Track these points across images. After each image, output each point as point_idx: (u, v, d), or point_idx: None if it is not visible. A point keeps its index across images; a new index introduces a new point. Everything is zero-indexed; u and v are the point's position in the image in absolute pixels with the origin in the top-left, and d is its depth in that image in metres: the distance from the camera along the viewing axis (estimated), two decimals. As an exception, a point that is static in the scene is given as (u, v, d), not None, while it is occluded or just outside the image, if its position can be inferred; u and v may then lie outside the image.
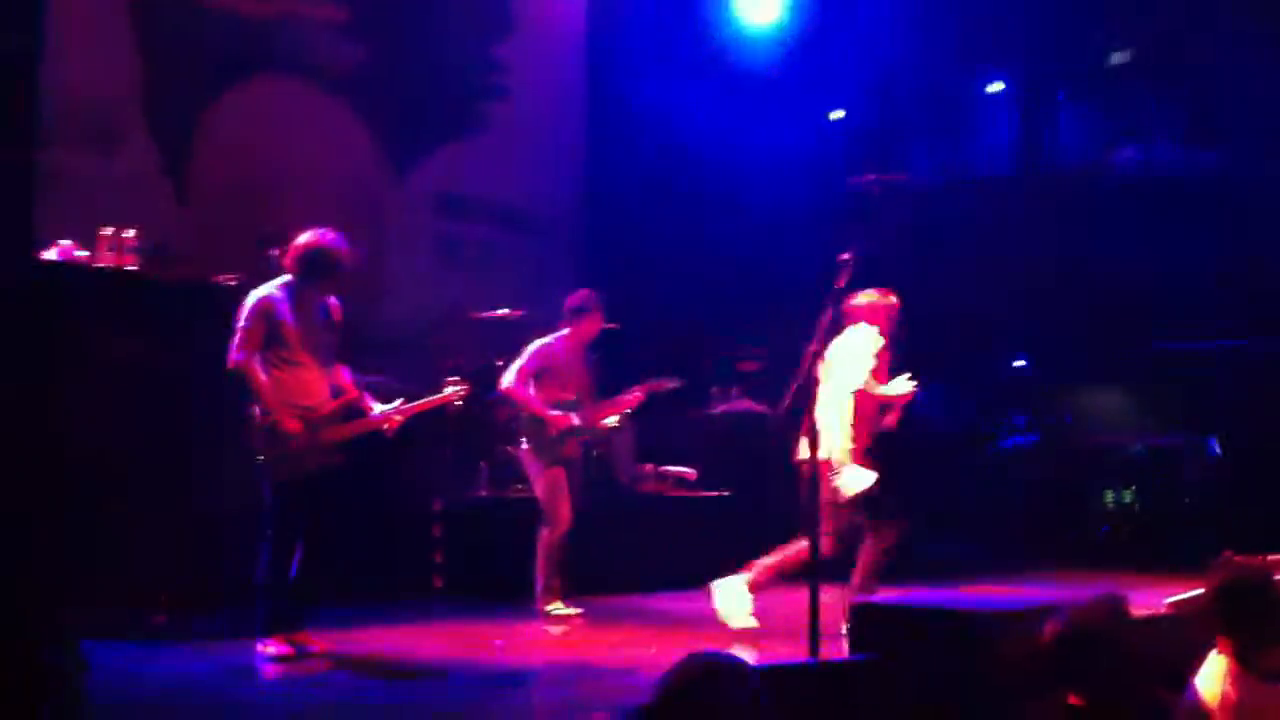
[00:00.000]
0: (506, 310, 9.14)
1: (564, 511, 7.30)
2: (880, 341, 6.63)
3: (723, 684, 2.63)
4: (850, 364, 6.57)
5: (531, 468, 7.42)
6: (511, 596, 7.56)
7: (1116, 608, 3.94)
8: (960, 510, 10.97)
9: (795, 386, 4.83)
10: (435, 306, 9.64)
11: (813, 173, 12.34)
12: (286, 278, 5.98)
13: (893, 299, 6.79)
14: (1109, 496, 11.41)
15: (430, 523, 8.11)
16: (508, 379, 7.45)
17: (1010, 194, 12.59)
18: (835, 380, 6.49)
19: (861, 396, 6.56)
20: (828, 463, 6.35)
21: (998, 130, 13.25)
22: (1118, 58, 11.58)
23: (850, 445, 6.56)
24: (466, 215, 10.60)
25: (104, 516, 6.41)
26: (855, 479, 6.51)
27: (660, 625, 7.30)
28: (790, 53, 11.28)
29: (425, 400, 6.36)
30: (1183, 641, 4.03)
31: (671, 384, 7.76)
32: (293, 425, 5.74)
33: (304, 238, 5.98)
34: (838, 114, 13.03)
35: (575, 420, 7.41)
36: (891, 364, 6.69)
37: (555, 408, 7.39)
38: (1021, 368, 12.50)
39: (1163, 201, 11.29)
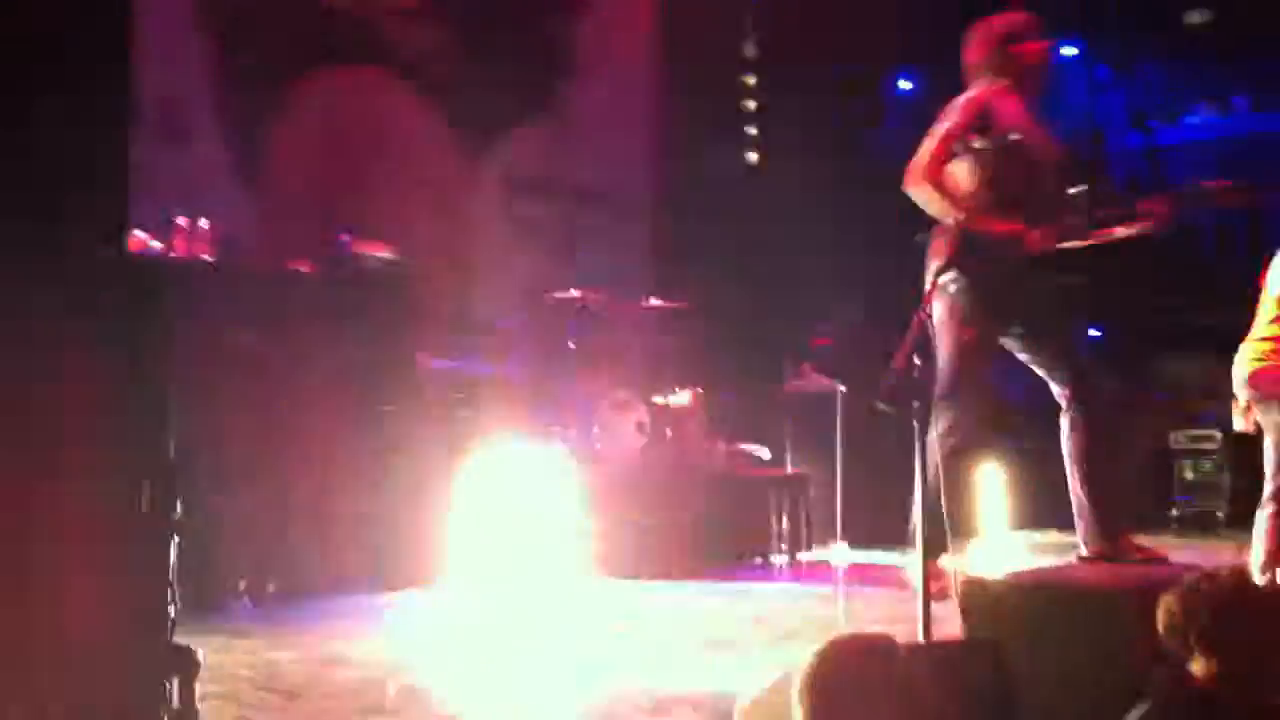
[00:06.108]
0: (580, 292, 9.09)
1: None
2: None
3: (875, 660, 2.59)
4: None
5: None
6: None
7: (1244, 575, 3.86)
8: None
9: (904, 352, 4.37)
10: (513, 289, 9.64)
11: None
12: None
13: None
14: (1189, 468, 11.17)
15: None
16: None
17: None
18: None
19: None
20: None
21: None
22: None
23: None
24: (543, 196, 10.52)
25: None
26: None
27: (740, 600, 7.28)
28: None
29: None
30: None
31: None
32: None
33: None
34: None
35: None
36: None
37: None
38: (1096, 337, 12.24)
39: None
